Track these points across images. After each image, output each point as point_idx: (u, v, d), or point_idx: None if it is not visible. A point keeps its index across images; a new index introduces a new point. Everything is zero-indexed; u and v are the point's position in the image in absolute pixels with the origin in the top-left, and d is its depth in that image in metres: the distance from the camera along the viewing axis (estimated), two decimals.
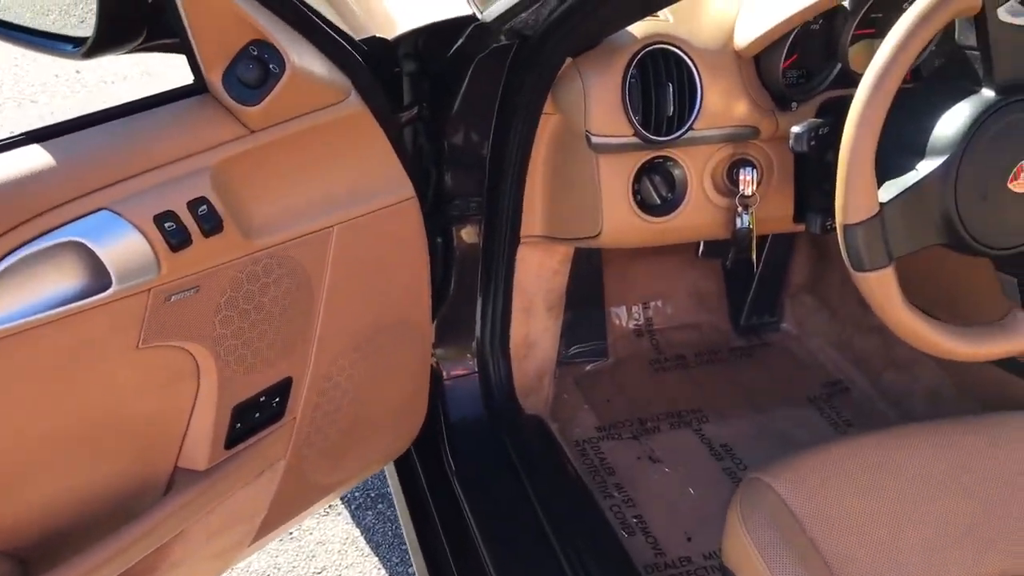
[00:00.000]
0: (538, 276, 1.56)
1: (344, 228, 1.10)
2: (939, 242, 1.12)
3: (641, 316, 2.12)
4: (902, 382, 1.88)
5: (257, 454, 1.11)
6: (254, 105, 0.96)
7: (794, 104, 1.29)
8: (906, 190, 1.08)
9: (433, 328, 1.60)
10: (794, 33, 1.24)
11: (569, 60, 1.25)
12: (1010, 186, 1.09)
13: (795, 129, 1.15)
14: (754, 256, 1.34)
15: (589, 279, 2.02)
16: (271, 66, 0.95)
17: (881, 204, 1.07)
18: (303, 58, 1.00)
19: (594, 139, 1.24)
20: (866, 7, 1.26)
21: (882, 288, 1.10)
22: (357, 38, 1.19)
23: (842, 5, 1.27)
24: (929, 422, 1.32)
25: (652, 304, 2.13)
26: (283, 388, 1.11)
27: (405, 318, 1.26)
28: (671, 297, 2.14)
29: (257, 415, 1.10)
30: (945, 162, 1.07)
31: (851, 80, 1.26)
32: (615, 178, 1.28)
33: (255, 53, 0.95)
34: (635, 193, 1.30)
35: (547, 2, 1.14)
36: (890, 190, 1.08)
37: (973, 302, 1.64)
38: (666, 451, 1.80)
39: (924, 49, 1.35)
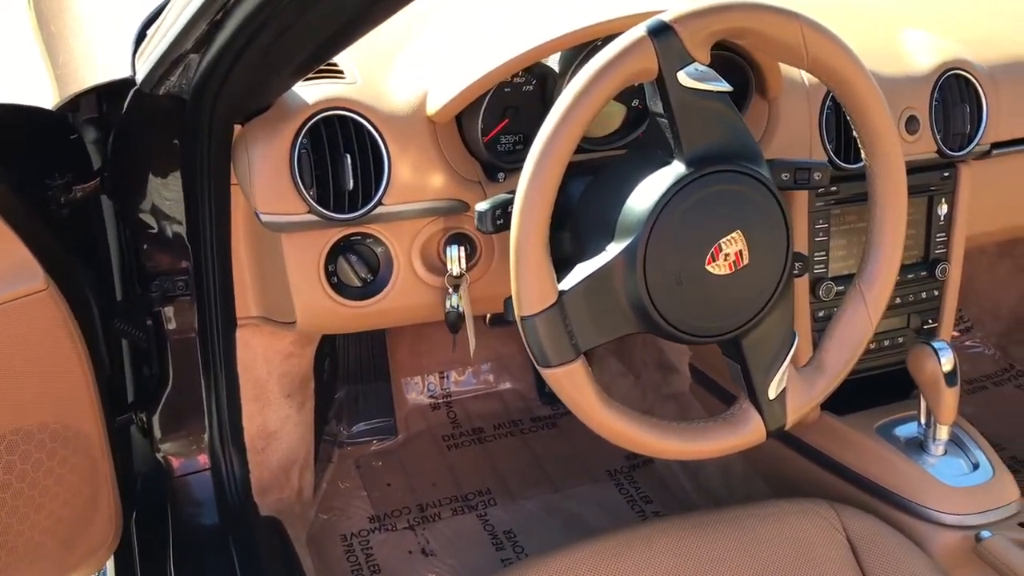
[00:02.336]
0: (267, 360, 1.39)
1: None
2: (636, 331, 1.00)
3: (437, 387, 1.97)
4: None
5: None
6: None
7: (501, 175, 1.15)
8: (588, 276, 0.95)
9: (156, 420, 1.43)
10: (489, 95, 1.11)
11: (238, 128, 1.10)
12: (708, 268, 0.97)
13: (479, 207, 1.01)
14: (471, 339, 1.20)
15: (371, 349, 1.87)
16: None
17: (560, 292, 0.94)
18: None
19: (264, 217, 1.09)
20: (574, 65, 1.14)
21: (572, 384, 0.97)
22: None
23: (545, 65, 1.15)
24: (681, 516, 1.21)
25: (449, 373, 1.98)
26: None
27: (55, 424, 1.08)
28: (469, 363, 2.00)
29: None
30: (629, 245, 0.95)
31: None
32: (301, 259, 1.13)
33: None
34: (330, 275, 1.14)
35: (189, 63, 0.99)
36: (575, 276, 0.96)
37: None
38: (443, 542, 1.65)
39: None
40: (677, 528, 1.16)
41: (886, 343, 1.45)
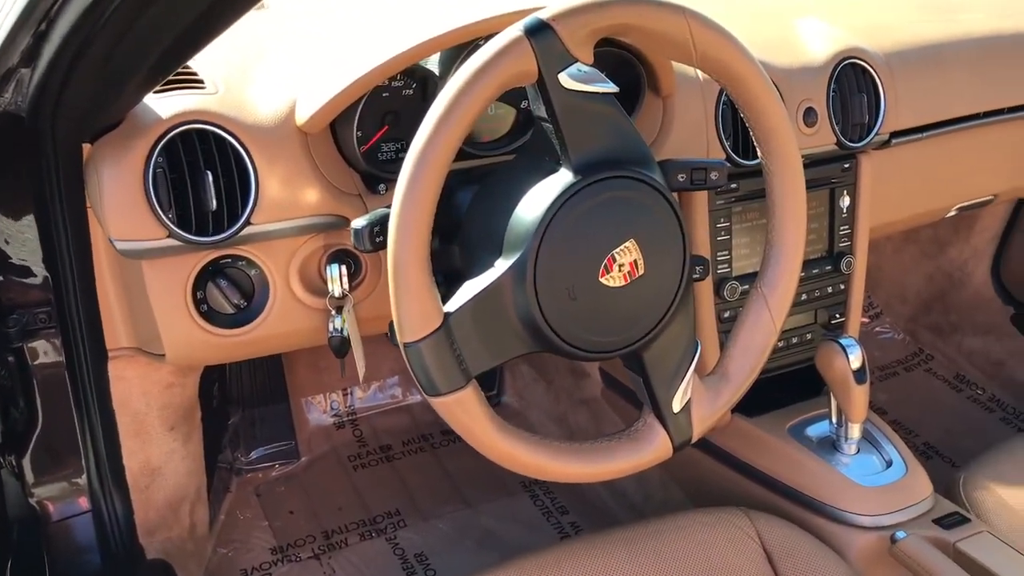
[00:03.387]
0: (145, 393, 1.29)
1: None
2: (531, 350, 0.93)
3: (341, 404, 1.88)
4: None
5: None
6: None
7: (382, 186, 1.08)
8: (475, 296, 0.88)
9: (27, 463, 1.32)
10: (365, 101, 1.03)
11: (88, 147, 1.00)
12: (602, 280, 0.91)
13: (354, 224, 0.93)
14: (359, 362, 1.12)
15: (267, 369, 1.77)
16: None
17: (446, 314, 0.86)
18: None
19: (119, 244, 0.99)
20: (454, 67, 1.06)
21: (464, 412, 0.90)
22: None
23: (424, 67, 1.07)
24: (595, 533, 1.16)
25: (353, 389, 1.90)
26: None
27: None
28: (375, 378, 1.91)
29: None
30: (518, 260, 0.88)
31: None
32: (165, 287, 1.03)
33: None
34: (199, 303, 1.05)
35: (21, 79, 0.89)
36: (461, 296, 0.88)
37: None
38: (351, 570, 1.57)
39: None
40: (590, 547, 1.11)
41: (794, 340, 1.42)
